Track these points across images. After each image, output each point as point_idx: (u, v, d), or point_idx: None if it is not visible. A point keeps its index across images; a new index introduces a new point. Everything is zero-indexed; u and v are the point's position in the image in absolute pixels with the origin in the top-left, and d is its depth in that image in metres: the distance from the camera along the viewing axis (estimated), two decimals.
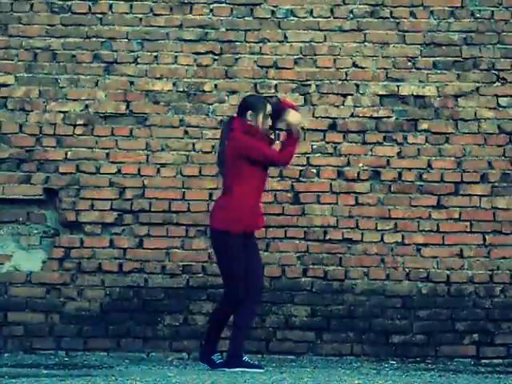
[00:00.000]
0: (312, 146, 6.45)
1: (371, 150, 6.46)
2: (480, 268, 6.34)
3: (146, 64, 6.53)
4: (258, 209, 5.38)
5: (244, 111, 5.37)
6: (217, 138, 5.82)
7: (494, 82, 6.50)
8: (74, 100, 6.50)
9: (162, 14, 6.57)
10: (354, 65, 6.53)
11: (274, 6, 6.57)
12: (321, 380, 4.70)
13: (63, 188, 6.42)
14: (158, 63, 6.54)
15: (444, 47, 6.53)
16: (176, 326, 6.24)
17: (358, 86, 6.51)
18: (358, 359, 6.22)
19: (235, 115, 5.47)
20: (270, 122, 5.39)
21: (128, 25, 6.56)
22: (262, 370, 5.25)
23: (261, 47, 6.54)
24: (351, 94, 6.50)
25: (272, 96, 6.45)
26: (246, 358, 5.32)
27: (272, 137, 5.56)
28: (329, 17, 6.56)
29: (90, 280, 6.33)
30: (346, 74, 6.52)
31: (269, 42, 6.55)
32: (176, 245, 6.34)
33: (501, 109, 6.48)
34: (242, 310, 5.32)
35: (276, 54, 6.53)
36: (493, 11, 6.55)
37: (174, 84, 6.51)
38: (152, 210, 6.39)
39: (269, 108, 5.38)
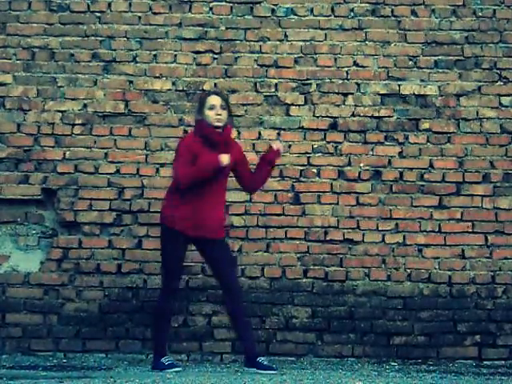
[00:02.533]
0: (313, 145, 6.41)
1: (372, 150, 6.42)
2: (482, 269, 6.30)
3: (145, 63, 6.50)
4: (187, 213, 5.34)
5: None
6: None
7: (496, 81, 6.47)
8: (73, 99, 6.46)
9: (161, 13, 6.54)
10: (355, 64, 6.49)
11: (274, 5, 6.54)
12: (321, 382, 4.67)
13: (61, 188, 6.38)
14: (157, 62, 6.50)
15: (446, 46, 6.50)
16: (175, 328, 6.18)
17: (358, 85, 6.47)
18: (359, 361, 6.18)
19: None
20: (216, 112, 5.37)
21: (127, 23, 6.53)
22: (275, 372, 5.24)
23: (261, 46, 6.50)
24: (352, 94, 6.47)
25: (273, 95, 6.44)
26: (261, 358, 5.34)
27: (220, 130, 5.44)
28: (329, 15, 6.53)
29: (89, 281, 6.29)
30: (347, 73, 6.49)
31: (269, 40, 6.52)
32: None
33: (503, 108, 6.44)
34: (233, 313, 5.39)
35: (276, 53, 6.49)
36: (495, 10, 6.53)
37: (173, 83, 6.48)
38: (151, 210, 6.35)
39: (211, 100, 5.39)
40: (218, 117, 5.37)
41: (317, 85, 6.48)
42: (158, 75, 6.49)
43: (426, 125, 6.44)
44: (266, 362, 5.34)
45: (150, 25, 6.53)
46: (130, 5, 6.55)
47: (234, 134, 6.35)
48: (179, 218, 5.33)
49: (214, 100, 5.40)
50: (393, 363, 6.13)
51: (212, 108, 5.38)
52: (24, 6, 6.54)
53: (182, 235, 5.36)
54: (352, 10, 6.54)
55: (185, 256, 5.49)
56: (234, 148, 5.49)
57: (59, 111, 6.45)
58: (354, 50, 6.51)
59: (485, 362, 6.18)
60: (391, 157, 6.41)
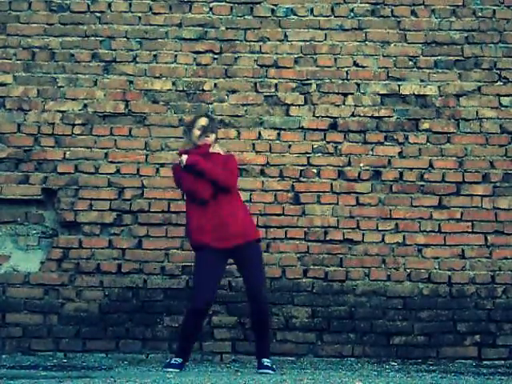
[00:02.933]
0: (312, 145, 6.41)
1: (372, 150, 6.43)
2: (482, 269, 6.30)
3: (145, 63, 6.50)
4: (206, 226, 5.33)
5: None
6: None
7: (496, 81, 6.47)
8: (73, 99, 6.47)
9: (162, 13, 6.54)
10: (355, 64, 6.49)
11: (274, 5, 6.55)
12: (321, 382, 4.67)
13: (62, 188, 6.39)
14: (157, 62, 6.50)
15: (445, 46, 6.50)
16: (175, 327, 6.19)
17: (358, 85, 6.47)
18: (359, 360, 6.18)
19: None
20: (200, 134, 5.40)
21: (127, 23, 6.53)
22: (273, 372, 5.28)
23: (261, 46, 6.51)
24: (352, 94, 6.47)
25: (273, 95, 6.44)
26: (265, 360, 5.37)
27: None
28: (329, 15, 6.54)
29: (89, 281, 6.29)
30: (347, 73, 6.49)
31: (269, 40, 6.52)
32: (175, 245, 6.30)
33: (503, 108, 6.45)
34: (252, 316, 5.38)
35: (276, 53, 6.50)
36: (494, 10, 6.53)
37: (173, 83, 6.48)
38: (151, 210, 6.35)
39: (201, 121, 5.43)
40: (199, 139, 5.42)
41: (317, 85, 6.48)
42: (158, 75, 6.49)
43: (425, 125, 6.44)
44: (266, 363, 5.35)
45: (150, 25, 6.54)
46: (130, 5, 6.56)
47: (232, 134, 6.36)
48: (199, 234, 5.33)
49: (204, 121, 5.44)
50: (393, 363, 6.13)
51: (200, 129, 5.42)
52: (24, 6, 6.55)
53: (209, 251, 5.31)
54: (352, 10, 6.54)
55: (215, 276, 5.32)
56: (215, 159, 5.42)
57: (59, 111, 6.45)
58: (353, 50, 6.51)
59: (484, 362, 6.18)
60: (391, 157, 6.42)
